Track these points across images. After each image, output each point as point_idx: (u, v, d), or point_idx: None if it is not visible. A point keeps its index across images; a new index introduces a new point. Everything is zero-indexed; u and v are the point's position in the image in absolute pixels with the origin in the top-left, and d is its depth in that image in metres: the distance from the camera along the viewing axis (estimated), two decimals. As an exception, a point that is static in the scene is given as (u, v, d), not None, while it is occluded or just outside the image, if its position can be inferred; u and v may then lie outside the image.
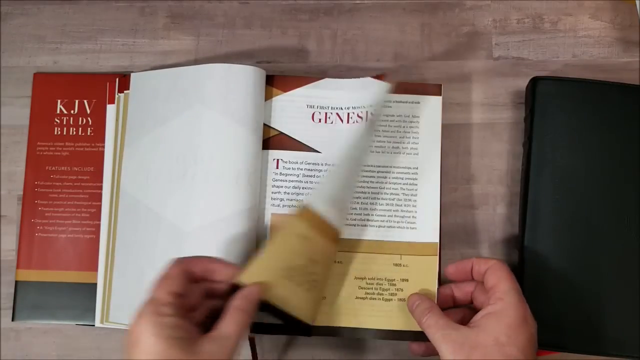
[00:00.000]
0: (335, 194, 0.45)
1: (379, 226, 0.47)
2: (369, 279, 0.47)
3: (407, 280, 0.46)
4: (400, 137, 0.49)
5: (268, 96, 0.49)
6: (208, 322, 0.38)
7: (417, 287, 0.46)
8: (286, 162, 0.48)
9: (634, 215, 0.47)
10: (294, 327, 0.44)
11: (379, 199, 0.48)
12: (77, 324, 0.48)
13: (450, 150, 0.51)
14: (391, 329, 0.46)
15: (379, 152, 0.48)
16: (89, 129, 0.50)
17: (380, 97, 0.49)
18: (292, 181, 0.48)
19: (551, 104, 0.48)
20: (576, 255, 0.46)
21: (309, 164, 0.48)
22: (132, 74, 0.50)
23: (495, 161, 0.51)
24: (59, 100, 0.51)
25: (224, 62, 0.48)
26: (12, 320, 0.48)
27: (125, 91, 0.50)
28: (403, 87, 0.49)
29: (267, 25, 0.53)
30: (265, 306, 0.41)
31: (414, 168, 0.48)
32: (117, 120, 0.50)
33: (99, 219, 0.49)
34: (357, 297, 0.46)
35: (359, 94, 0.49)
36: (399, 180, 0.48)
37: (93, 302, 0.47)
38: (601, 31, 0.53)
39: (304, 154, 0.48)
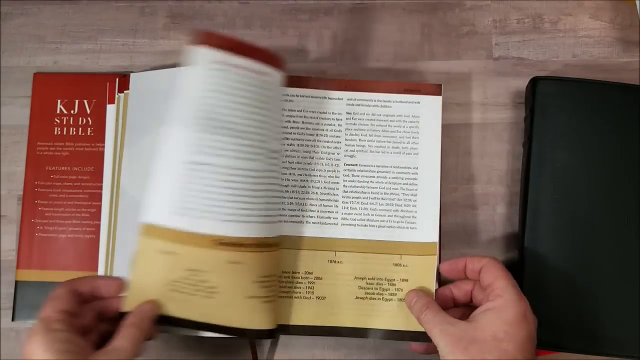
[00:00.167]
0: (182, 201, 0.41)
1: (379, 226, 0.47)
2: (369, 279, 0.47)
3: (406, 280, 0.46)
4: (400, 137, 0.49)
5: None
6: (102, 345, 0.39)
7: (416, 287, 0.46)
8: None
9: (634, 215, 0.47)
10: (247, 335, 0.44)
11: (379, 199, 0.48)
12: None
13: (450, 150, 0.51)
14: (391, 328, 0.46)
15: (379, 152, 0.48)
16: (89, 129, 0.50)
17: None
18: None
19: (551, 104, 0.48)
20: (576, 255, 0.46)
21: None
22: (131, 74, 0.50)
23: (495, 161, 0.51)
24: (59, 100, 0.51)
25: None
26: (12, 320, 0.48)
27: (125, 91, 0.50)
28: (403, 87, 0.49)
29: (267, 25, 0.53)
30: (181, 322, 0.43)
31: (414, 168, 0.48)
32: (117, 120, 0.50)
33: (99, 219, 0.49)
34: (357, 297, 0.46)
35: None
36: (399, 180, 0.48)
37: (93, 302, 0.47)
38: (601, 31, 0.53)
39: None
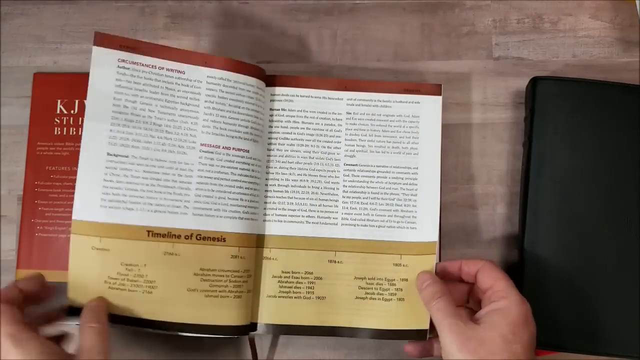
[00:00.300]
0: (109, 194, 0.42)
1: (379, 226, 0.47)
2: (369, 279, 0.47)
3: (406, 280, 0.46)
4: (400, 137, 0.49)
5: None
6: None
7: (416, 287, 0.46)
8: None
9: (634, 215, 0.47)
10: (203, 331, 0.43)
11: (379, 199, 0.48)
12: (77, 324, 0.48)
13: (450, 150, 0.51)
14: (391, 328, 0.46)
15: (379, 152, 0.48)
16: (89, 129, 0.50)
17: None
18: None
19: (551, 104, 0.48)
20: (576, 255, 0.46)
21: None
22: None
23: (495, 161, 0.51)
24: (59, 100, 0.51)
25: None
26: (12, 320, 0.48)
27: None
28: (403, 87, 0.49)
29: (267, 25, 0.53)
30: (128, 320, 0.42)
31: (414, 168, 0.48)
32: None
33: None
34: (357, 297, 0.46)
35: None
36: (399, 180, 0.48)
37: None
38: (601, 31, 0.53)
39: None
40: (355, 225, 0.47)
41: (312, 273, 0.47)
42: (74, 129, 0.50)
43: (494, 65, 0.52)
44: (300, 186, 0.48)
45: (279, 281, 0.46)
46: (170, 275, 0.44)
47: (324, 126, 0.49)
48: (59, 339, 0.43)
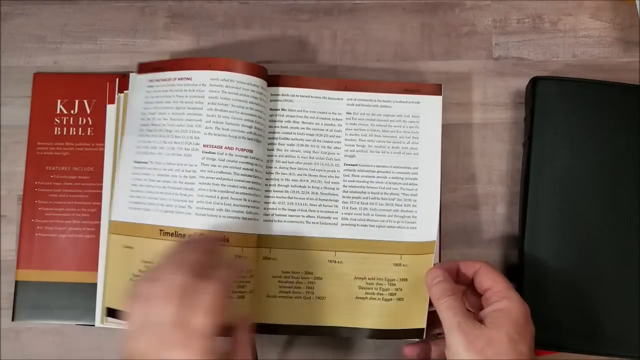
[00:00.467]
0: (133, 196, 0.46)
1: (379, 226, 0.47)
2: (369, 279, 0.47)
3: (406, 279, 0.46)
4: (400, 137, 0.49)
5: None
6: None
7: (416, 286, 0.46)
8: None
9: (634, 215, 0.47)
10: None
11: (379, 199, 0.48)
12: (77, 324, 0.48)
13: (450, 150, 0.51)
14: (390, 328, 0.46)
15: (379, 152, 0.48)
16: (89, 129, 0.50)
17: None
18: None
19: (551, 104, 0.48)
20: (576, 255, 0.46)
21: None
22: (130, 74, 0.50)
23: (495, 161, 0.51)
24: (59, 100, 0.51)
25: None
26: (12, 320, 0.48)
27: (125, 91, 0.50)
28: (403, 87, 0.49)
29: (267, 25, 0.53)
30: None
31: (414, 168, 0.48)
32: (117, 120, 0.50)
33: (99, 219, 0.49)
34: (357, 297, 0.46)
35: None
36: (399, 180, 0.48)
37: (93, 302, 0.47)
38: (601, 31, 0.53)
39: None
40: (355, 225, 0.47)
41: (312, 273, 0.47)
42: (74, 129, 0.50)
43: (494, 65, 0.52)
44: (300, 186, 0.48)
45: (279, 281, 0.46)
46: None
47: (324, 126, 0.49)
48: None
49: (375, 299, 0.46)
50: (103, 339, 0.49)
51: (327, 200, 0.48)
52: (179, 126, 0.46)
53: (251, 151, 0.46)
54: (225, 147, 0.45)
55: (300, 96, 0.49)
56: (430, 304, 0.44)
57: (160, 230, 0.45)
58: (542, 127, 0.48)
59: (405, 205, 0.48)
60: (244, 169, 0.45)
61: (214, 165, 0.45)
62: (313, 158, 0.48)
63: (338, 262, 0.47)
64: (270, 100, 0.49)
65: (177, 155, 0.45)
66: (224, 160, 0.45)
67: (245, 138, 0.45)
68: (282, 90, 0.49)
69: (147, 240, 0.45)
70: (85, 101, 0.51)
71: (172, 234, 0.45)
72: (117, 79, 0.50)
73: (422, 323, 0.45)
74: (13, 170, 0.51)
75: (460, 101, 0.52)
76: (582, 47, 0.53)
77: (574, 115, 0.48)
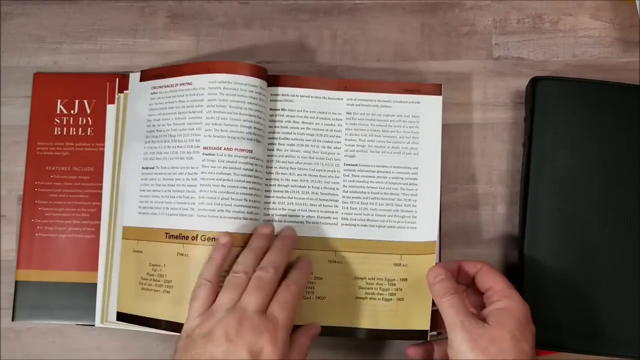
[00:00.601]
0: (142, 202, 0.47)
1: (379, 226, 0.47)
2: (369, 279, 0.47)
3: (406, 279, 0.46)
4: (400, 137, 0.49)
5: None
6: None
7: (416, 286, 0.46)
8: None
9: (634, 215, 0.47)
10: None
11: (379, 199, 0.48)
12: (77, 324, 0.48)
13: (450, 150, 0.51)
14: (391, 328, 0.46)
15: (379, 152, 0.48)
16: (89, 129, 0.50)
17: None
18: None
19: (551, 104, 0.48)
20: (576, 255, 0.46)
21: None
22: (130, 74, 0.50)
23: (495, 161, 0.51)
24: (59, 100, 0.51)
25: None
26: (12, 320, 0.48)
27: (125, 91, 0.50)
28: (403, 87, 0.49)
29: (267, 25, 0.53)
30: (150, 322, 0.45)
31: (414, 168, 0.48)
32: (117, 120, 0.50)
33: (99, 219, 0.49)
34: (357, 297, 0.46)
35: None
36: (399, 180, 0.48)
37: (93, 302, 0.47)
38: (601, 31, 0.53)
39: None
40: (355, 225, 0.47)
41: (312, 273, 0.47)
42: (74, 129, 0.50)
43: (494, 65, 0.52)
44: (300, 186, 0.48)
45: (279, 281, 0.46)
46: (182, 275, 0.44)
47: (324, 126, 0.49)
48: None
49: (376, 299, 0.46)
50: (103, 339, 0.49)
51: (327, 200, 0.48)
52: (181, 130, 0.46)
53: (251, 151, 0.46)
54: (225, 148, 0.45)
55: (300, 96, 0.49)
56: (432, 305, 0.44)
57: (166, 233, 0.45)
58: (542, 127, 0.48)
59: (405, 205, 0.48)
60: (243, 169, 0.45)
61: (214, 167, 0.45)
62: (313, 158, 0.48)
63: (338, 262, 0.47)
64: (270, 100, 0.48)
65: (180, 159, 0.46)
66: (223, 161, 0.45)
67: (244, 138, 0.45)
68: (282, 90, 0.49)
69: (154, 243, 0.46)
70: (85, 101, 0.51)
71: (176, 237, 0.45)
72: (117, 79, 0.50)
73: (425, 325, 0.45)
74: (13, 170, 0.51)
75: (460, 101, 0.52)
76: (582, 47, 0.53)
77: (574, 115, 0.48)
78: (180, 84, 0.47)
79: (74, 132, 0.50)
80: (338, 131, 0.49)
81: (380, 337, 0.46)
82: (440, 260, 0.48)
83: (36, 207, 0.49)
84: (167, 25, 0.53)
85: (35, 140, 0.50)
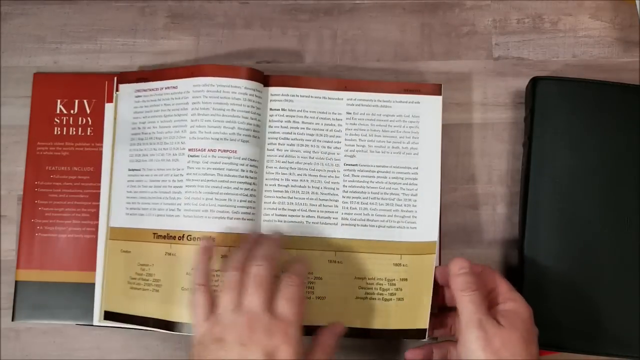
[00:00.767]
0: (129, 203, 0.48)
1: (379, 226, 0.47)
2: (369, 279, 0.47)
3: (406, 279, 0.46)
4: (400, 137, 0.49)
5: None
6: None
7: (415, 286, 0.46)
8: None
9: (634, 215, 0.47)
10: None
11: (379, 198, 0.48)
12: (77, 324, 0.48)
13: (450, 150, 0.51)
14: (390, 328, 0.46)
15: (379, 152, 0.48)
16: (88, 128, 0.50)
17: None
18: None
19: (551, 104, 0.48)
20: (576, 255, 0.46)
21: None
22: (117, 74, 0.50)
23: (495, 161, 0.51)
24: (59, 100, 0.51)
25: (223, 63, 0.48)
26: (12, 320, 0.48)
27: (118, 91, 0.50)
28: (403, 87, 0.49)
29: (267, 25, 0.53)
30: (140, 320, 0.45)
31: (414, 168, 0.48)
32: (114, 119, 0.50)
33: (99, 219, 0.49)
34: (357, 297, 0.46)
35: None
36: (399, 180, 0.48)
37: (93, 302, 0.47)
38: (601, 31, 0.53)
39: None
40: (355, 225, 0.47)
41: (312, 273, 0.47)
42: (74, 129, 0.50)
43: (494, 65, 0.52)
44: (300, 186, 0.48)
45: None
46: (169, 274, 0.45)
47: (324, 126, 0.49)
48: None
49: (375, 299, 0.46)
50: (103, 339, 0.49)
51: (327, 200, 0.48)
52: (167, 133, 0.47)
53: (235, 151, 0.46)
54: (209, 150, 0.46)
55: (300, 96, 0.49)
56: (432, 306, 0.44)
57: (154, 233, 0.46)
58: (542, 127, 0.48)
59: (405, 205, 0.48)
60: (227, 169, 0.46)
61: (199, 168, 0.46)
62: (313, 158, 0.48)
63: (338, 262, 0.47)
64: (270, 100, 0.48)
65: (167, 161, 0.47)
66: (207, 162, 0.46)
67: (227, 139, 0.46)
68: (281, 90, 0.49)
69: (142, 243, 0.47)
70: (85, 101, 0.51)
71: (164, 237, 0.46)
72: (115, 78, 0.50)
73: (424, 323, 0.45)
74: (13, 170, 0.51)
75: (460, 101, 0.52)
76: (582, 47, 0.53)
77: (574, 115, 0.48)
78: (166, 88, 0.48)
79: (74, 132, 0.50)
80: (338, 131, 0.49)
81: (380, 337, 0.46)
82: (440, 260, 0.48)
83: (36, 207, 0.49)
84: (167, 25, 0.53)
85: (35, 140, 0.50)
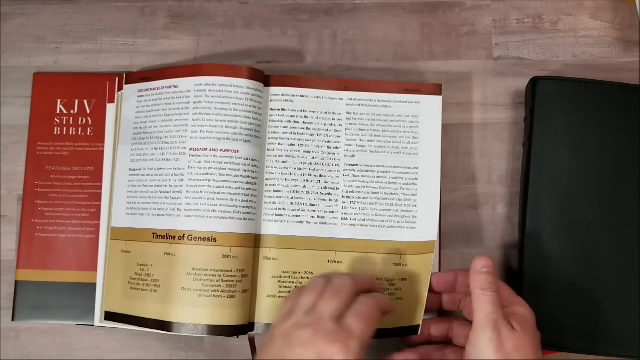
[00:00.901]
0: (130, 203, 0.48)
1: (379, 226, 0.47)
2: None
3: (405, 279, 0.46)
4: (400, 137, 0.49)
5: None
6: None
7: (414, 286, 0.46)
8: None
9: (634, 215, 0.47)
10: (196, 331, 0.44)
11: (379, 198, 0.48)
12: (77, 324, 0.48)
13: (450, 150, 0.51)
14: (389, 327, 0.46)
15: (379, 152, 0.48)
16: (88, 128, 0.50)
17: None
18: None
19: (551, 104, 0.48)
20: (576, 255, 0.46)
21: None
22: (125, 74, 0.50)
23: (495, 161, 0.51)
24: (59, 100, 0.51)
25: (223, 63, 0.48)
26: (12, 320, 0.48)
27: (122, 91, 0.50)
28: (403, 87, 0.49)
29: (267, 25, 0.53)
30: (139, 321, 0.45)
31: (414, 168, 0.48)
32: (116, 119, 0.50)
33: (99, 219, 0.49)
34: (357, 297, 0.46)
35: None
36: (399, 180, 0.48)
37: (93, 302, 0.47)
38: (601, 31, 0.53)
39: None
40: (355, 225, 0.47)
41: (312, 273, 0.47)
42: (74, 129, 0.50)
43: (494, 65, 0.52)
44: (300, 186, 0.48)
45: (278, 281, 0.46)
46: (169, 274, 0.45)
47: (324, 126, 0.49)
48: None
49: (375, 299, 0.46)
50: (103, 339, 0.49)
51: (327, 200, 0.48)
52: (168, 132, 0.47)
53: (237, 151, 0.46)
54: (210, 149, 0.46)
55: (300, 96, 0.49)
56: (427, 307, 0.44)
57: (153, 233, 0.46)
58: (542, 127, 0.48)
59: (405, 205, 0.48)
60: (229, 169, 0.45)
61: (200, 168, 0.45)
62: (313, 158, 0.48)
63: (338, 262, 0.47)
64: (270, 100, 0.49)
65: (167, 161, 0.47)
66: (209, 162, 0.45)
67: (229, 139, 0.46)
68: (281, 90, 0.49)
69: (142, 244, 0.46)
70: (85, 101, 0.51)
71: (163, 237, 0.46)
72: (117, 78, 0.50)
73: (418, 320, 0.45)
74: (13, 170, 0.51)
75: (460, 101, 0.52)
76: (582, 47, 0.53)
77: (574, 115, 0.48)
78: (167, 87, 0.48)
79: (74, 132, 0.50)
80: (338, 131, 0.49)
81: (379, 337, 0.46)
82: (440, 260, 0.48)
83: (36, 207, 0.49)
84: (167, 25, 0.53)
85: (35, 140, 0.50)
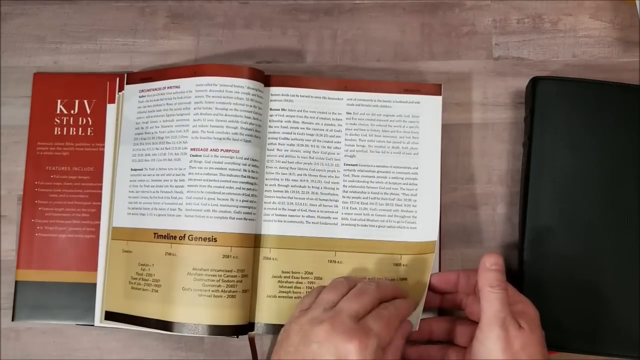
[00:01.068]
0: (131, 203, 0.48)
1: (379, 226, 0.47)
2: (369, 279, 0.46)
3: (405, 279, 0.46)
4: (400, 137, 0.49)
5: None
6: None
7: (415, 286, 0.46)
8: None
9: (634, 215, 0.47)
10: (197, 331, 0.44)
11: (379, 199, 0.48)
12: (77, 324, 0.48)
13: (450, 150, 0.51)
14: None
15: (379, 152, 0.48)
16: (89, 129, 0.50)
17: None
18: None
19: (551, 104, 0.48)
20: (576, 255, 0.46)
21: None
22: (126, 74, 0.50)
23: (495, 161, 0.51)
24: (59, 100, 0.51)
25: (223, 63, 0.48)
26: (12, 320, 0.48)
27: (122, 91, 0.50)
28: (403, 87, 0.49)
29: (267, 25, 0.53)
30: (140, 320, 0.46)
31: (414, 168, 0.48)
32: (117, 119, 0.50)
33: (99, 219, 0.49)
34: (357, 297, 0.46)
35: None
36: (399, 180, 0.48)
37: (93, 302, 0.47)
38: (601, 31, 0.53)
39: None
40: (355, 225, 0.47)
41: (312, 273, 0.47)
42: (74, 129, 0.50)
43: (494, 65, 0.52)
44: (300, 186, 0.48)
45: (278, 281, 0.46)
46: (170, 274, 0.45)
47: (324, 126, 0.49)
48: None
49: (375, 299, 0.46)
50: (103, 339, 0.49)
51: (327, 200, 0.48)
52: (169, 132, 0.47)
53: (237, 151, 0.46)
54: (211, 149, 0.46)
55: (300, 96, 0.49)
56: (426, 307, 0.44)
57: (155, 233, 0.46)
58: (542, 127, 0.48)
59: (405, 205, 0.48)
60: (230, 169, 0.45)
61: (201, 168, 0.46)
62: (313, 158, 0.48)
63: (338, 262, 0.47)
64: (271, 100, 0.49)
65: (168, 161, 0.47)
66: (210, 162, 0.45)
67: (230, 139, 0.46)
68: (281, 90, 0.49)
69: (143, 243, 0.47)
70: (85, 101, 0.51)
71: (164, 237, 0.46)
72: (117, 79, 0.50)
73: (416, 316, 0.44)
74: (13, 170, 0.51)
75: (460, 101, 0.52)
76: (582, 47, 0.53)
77: (574, 115, 0.48)
78: (168, 87, 0.48)
79: (74, 132, 0.50)
80: (338, 131, 0.49)
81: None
82: (440, 261, 0.48)
83: (36, 207, 0.49)
84: (167, 25, 0.53)
85: (35, 140, 0.50)
